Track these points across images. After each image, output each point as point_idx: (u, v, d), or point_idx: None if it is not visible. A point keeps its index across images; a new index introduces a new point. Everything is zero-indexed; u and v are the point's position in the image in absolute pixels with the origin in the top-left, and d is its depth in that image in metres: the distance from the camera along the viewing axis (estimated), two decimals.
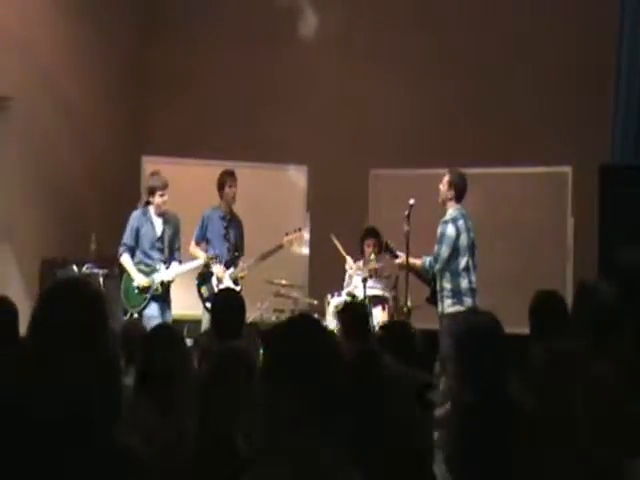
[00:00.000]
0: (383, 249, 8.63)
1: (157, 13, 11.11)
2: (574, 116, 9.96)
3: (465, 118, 10.42)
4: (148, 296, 8.36)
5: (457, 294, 7.92)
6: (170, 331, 4.30)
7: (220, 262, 8.77)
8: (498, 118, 10.32)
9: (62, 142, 9.52)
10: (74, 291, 2.46)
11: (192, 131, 10.75)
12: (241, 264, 8.92)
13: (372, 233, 9.33)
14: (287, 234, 8.96)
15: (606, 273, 7.57)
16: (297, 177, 10.92)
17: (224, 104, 10.87)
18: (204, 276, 8.86)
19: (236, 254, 8.97)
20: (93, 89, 10.02)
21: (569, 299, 8.77)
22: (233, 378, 3.80)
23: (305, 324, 2.38)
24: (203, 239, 8.97)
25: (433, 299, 8.12)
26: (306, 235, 9.97)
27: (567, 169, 10.00)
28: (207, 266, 8.84)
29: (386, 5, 10.77)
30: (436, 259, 8.00)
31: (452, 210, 8.11)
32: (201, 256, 8.82)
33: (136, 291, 8.40)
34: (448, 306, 7.91)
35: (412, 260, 8.18)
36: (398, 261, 8.33)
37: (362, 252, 9.32)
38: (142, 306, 8.35)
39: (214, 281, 8.78)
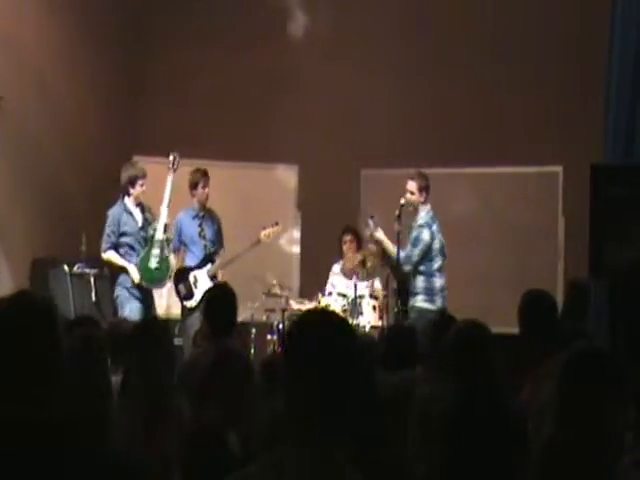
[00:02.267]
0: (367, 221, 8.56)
1: (148, 14, 11.07)
2: (565, 115, 9.98)
3: (456, 118, 10.43)
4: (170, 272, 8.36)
5: (430, 293, 8.18)
6: (154, 329, 4.26)
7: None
8: (489, 118, 10.33)
9: (52, 142, 9.49)
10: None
11: (183, 131, 10.71)
12: (218, 260, 8.80)
13: (350, 229, 9.37)
14: (264, 228, 8.84)
15: (597, 272, 7.59)
16: (288, 176, 10.91)
17: (215, 104, 10.85)
18: (181, 274, 8.75)
19: (212, 250, 8.82)
20: (84, 89, 9.99)
21: (560, 298, 8.82)
22: (230, 378, 3.80)
23: (322, 322, 2.35)
24: (181, 244, 8.82)
25: (401, 293, 8.33)
26: (296, 233, 9.99)
27: (558, 168, 10.02)
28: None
29: (376, 6, 10.76)
30: (407, 260, 8.20)
31: (424, 214, 8.34)
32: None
33: (156, 265, 8.23)
34: (420, 301, 8.17)
35: (386, 242, 8.35)
36: (375, 234, 8.39)
37: (341, 251, 9.37)
38: (166, 279, 8.33)
39: (191, 279, 8.68)
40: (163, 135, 10.66)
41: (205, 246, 8.73)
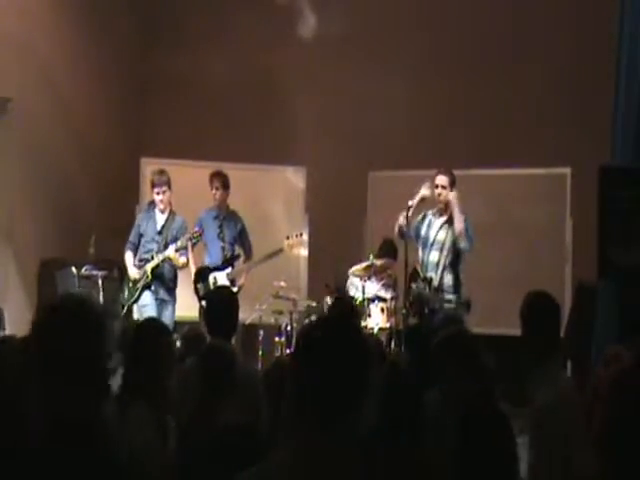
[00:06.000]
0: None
1: (157, 16, 11.10)
2: (573, 117, 9.96)
3: (464, 119, 10.42)
4: (139, 287, 8.32)
5: (459, 288, 8.16)
6: (155, 327, 4.27)
7: (199, 241, 8.64)
8: (497, 119, 10.32)
9: (61, 143, 9.52)
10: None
11: (191, 133, 10.75)
12: (239, 265, 8.84)
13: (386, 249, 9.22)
14: (288, 237, 8.87)
15: (605, 274, 7.57)
16: (296, 179, 10.91)
17: (223, 106, 10.87)
18: (201, 273, 8.80)
19: (235, 254, 8.87)
20: (93, 90, 10.02)
21: (568, 300, 8.80)
22: (213, 376, 3.82)
23: (338, 325, 2.35)
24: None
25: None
26: (304, 236, 9.98)
27: (566, 170, 9.99)
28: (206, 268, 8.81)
29: (384, 6, 10.76)
30: (470, 240, 8.14)
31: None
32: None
33: (130, 284, 8.41)
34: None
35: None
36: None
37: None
38: (135, 297, 8.33)
39: (211, 279, 8.72)
40: (172, 137, 10.69)
41: (223, 248, 8.78)
